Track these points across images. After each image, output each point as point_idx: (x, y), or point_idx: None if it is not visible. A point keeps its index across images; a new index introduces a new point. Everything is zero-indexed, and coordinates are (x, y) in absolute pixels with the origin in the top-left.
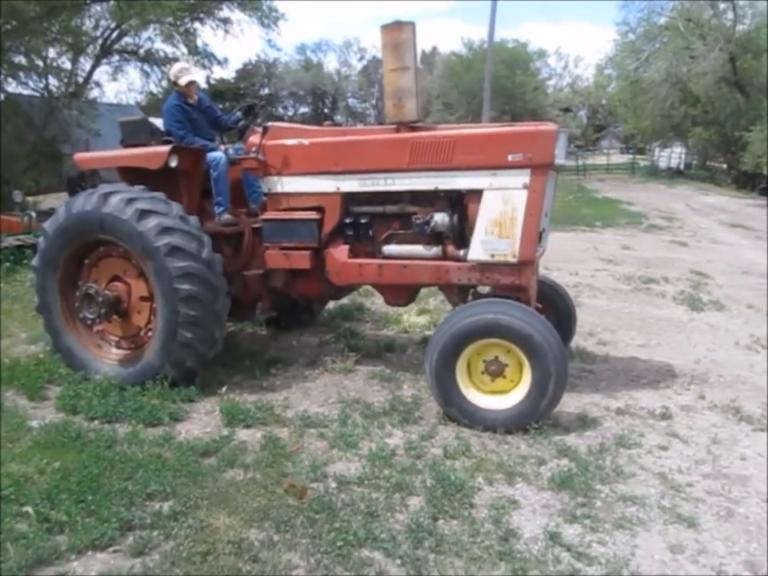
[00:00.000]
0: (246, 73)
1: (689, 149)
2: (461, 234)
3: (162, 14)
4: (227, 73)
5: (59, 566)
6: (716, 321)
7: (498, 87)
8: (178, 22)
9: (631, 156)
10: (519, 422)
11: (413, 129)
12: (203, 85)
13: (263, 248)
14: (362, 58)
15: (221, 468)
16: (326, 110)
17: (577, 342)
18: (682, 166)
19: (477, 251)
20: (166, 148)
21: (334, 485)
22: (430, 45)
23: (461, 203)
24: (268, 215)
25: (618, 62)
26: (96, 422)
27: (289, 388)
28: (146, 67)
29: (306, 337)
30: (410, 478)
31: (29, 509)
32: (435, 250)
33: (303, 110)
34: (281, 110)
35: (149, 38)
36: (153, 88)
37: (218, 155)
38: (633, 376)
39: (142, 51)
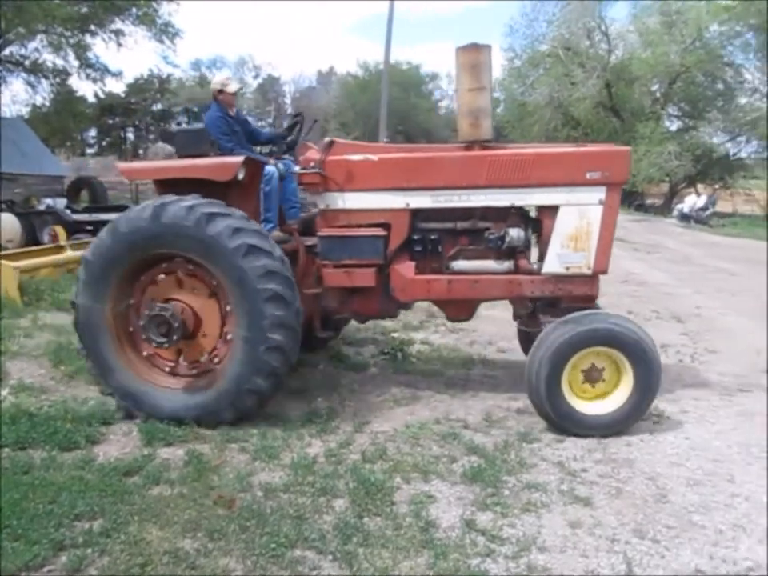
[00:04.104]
0: (137, 87)
1: None
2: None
3: (51, 22)
4: (118, 87)
5: None
6: None
7: (392, 108)
8: (68, 33)
9: None
10: (622, 425)
11: (484, 147)
12: (91, 99)
13: (317, 266)
14: (257, 76)
15: (146, 485)
16: None
17: (478, 350)
18: None
19: (552, 264)
20: (238, 159)
21: (260, 493)
22: (327, 65)
23: (534, 218)
24: (326, 231)
25: (505, 85)
26: (7, 449)
27: None
28: (33, 79)
29: None
30: (332, 482)
31: None
32: (507, 265)
33: (199, 125)
34: (174, 127)
35: (36, 49)
36: (39, 101)
37: (271, 169)
38: None
39: (27, 63)
